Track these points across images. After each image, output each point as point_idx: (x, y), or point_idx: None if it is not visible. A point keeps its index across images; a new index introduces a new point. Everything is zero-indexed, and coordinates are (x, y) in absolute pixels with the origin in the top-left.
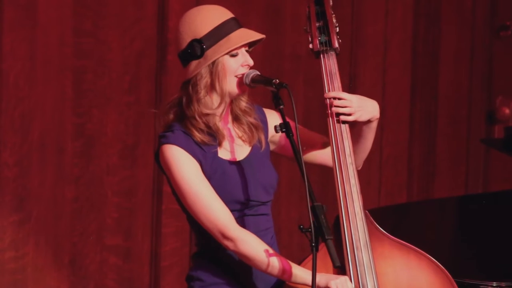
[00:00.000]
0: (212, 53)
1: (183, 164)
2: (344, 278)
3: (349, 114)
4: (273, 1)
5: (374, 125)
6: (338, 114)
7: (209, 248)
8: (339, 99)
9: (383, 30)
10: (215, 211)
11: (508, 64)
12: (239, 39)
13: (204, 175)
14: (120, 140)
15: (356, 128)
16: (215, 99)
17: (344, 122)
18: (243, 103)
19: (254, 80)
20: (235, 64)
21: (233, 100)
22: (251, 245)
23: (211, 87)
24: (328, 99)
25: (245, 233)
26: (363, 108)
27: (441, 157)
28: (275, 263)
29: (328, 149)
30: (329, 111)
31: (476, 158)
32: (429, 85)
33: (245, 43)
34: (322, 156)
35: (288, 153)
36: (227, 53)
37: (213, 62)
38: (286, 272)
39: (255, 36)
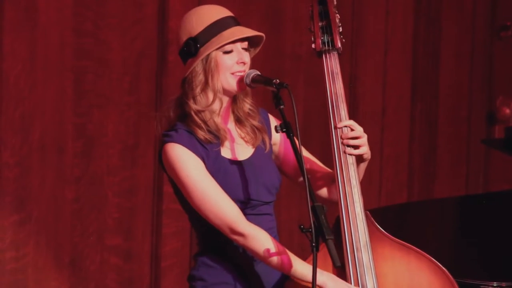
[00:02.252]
0: (204, 50)
1: (187, 163)
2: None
3: (358, 147)
4: (274, 1)
5: (365, 166)
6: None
7: (211, 248)
8: (352, 129)
9: (383, 30)
10: (223, 207)
11: (508, 65)
12: (230, 35)
13: None
14: (120, 140)
15: None
16: (209, 95)
17: (351, 155)
18: (247, 105)
19: (254, 80)
20: (230, 61)
21: (235, 101)
22: (261, 242)
23: (205, 84)
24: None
25: (255, 229)
26: (367, 144)
27: (442, 157)
28: (283, 260)
29: (324, 178)
30: (337, 140)
31: (476, 159)
32: (429, 85)
33: (235, 39)
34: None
35: (283, 167)
36: (217, 49)
37: (207, 59)
38: (288, 268)
39: (248, 32)
